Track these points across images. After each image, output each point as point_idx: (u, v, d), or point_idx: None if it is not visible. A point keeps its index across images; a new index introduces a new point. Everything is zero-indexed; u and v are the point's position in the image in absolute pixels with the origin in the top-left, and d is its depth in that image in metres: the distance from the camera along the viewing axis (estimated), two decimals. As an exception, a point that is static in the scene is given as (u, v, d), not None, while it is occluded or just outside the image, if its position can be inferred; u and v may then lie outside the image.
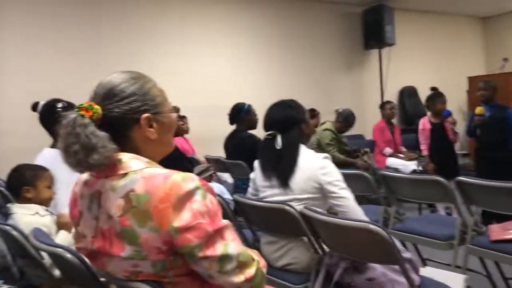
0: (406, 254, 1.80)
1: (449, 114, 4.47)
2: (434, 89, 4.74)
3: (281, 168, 2.00)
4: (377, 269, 1.77)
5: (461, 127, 7.37)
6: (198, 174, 2.88)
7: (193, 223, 1.05)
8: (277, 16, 6.21)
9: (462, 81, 6.94)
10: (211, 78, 5.69)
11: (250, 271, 1.12)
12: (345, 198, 1.95)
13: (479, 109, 4.22)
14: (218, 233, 1.09)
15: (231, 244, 1.10)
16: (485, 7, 7.57)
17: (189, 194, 1.07)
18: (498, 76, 5.98)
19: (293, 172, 1.97)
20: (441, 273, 2.35)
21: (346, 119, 4.96)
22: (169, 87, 1.36)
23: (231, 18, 5.94)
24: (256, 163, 2.20)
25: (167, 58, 5.41)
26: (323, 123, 5.19)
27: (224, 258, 1.08)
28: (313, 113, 5.58)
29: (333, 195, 1.95)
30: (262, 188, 2.10)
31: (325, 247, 1.95)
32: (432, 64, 7.71)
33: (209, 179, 3.03)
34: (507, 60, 6.45)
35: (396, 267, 1.70)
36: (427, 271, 2.21)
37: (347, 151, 5.06)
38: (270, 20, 6.15)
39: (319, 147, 4.89)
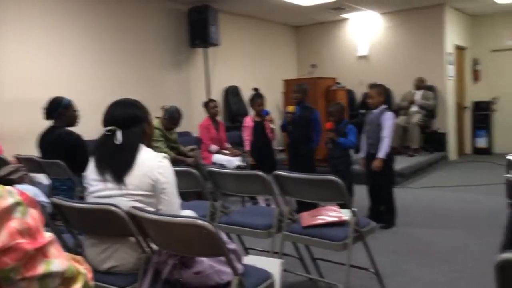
0: (231, 245, 1.92)
1: (267, 113, 4.88)
2: (255, 90, 5.14)
3: (118, 163, 1.95)
4: (205, 262, 1.84)
5: (278, 125, 8.13)
6: (6, 175, 2.57)
7: (11, 244, 0.93)
8: (104, 8, 5.86)
9: (278, 83, 7.63)
10: (23, 68, 5.08)
11: (76, 287, 1.06)
12: (171, 204, 1.98)
13: (290, 108, 4.73)
14: (40, 252, 0.99)
15: (54, 261, 1.01)
16: (297, 17, 8.47)
17: (7, 212, 0.95)
18: (307, 80, 6.74)
19: (130, 167, 1.94)
20: (261, 259, 2.56)
21: (171, 116, 4.99)
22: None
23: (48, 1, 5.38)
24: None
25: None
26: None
27: (46, 277, 0.99)
28: None
29: (164, 197, 1.96)
30: (93, 182, 2.02)
31: (153, 245, 1.95)
32: (253, 66, 8.29)
33: (20, 180, 2.71)
34: (315, 66, 7.33)
35: (222, 258, 1.79)
36: (249, 259, 2.39)
37: (176, 148, 5.11)
38: (95, 11, 5.78)
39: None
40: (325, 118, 6.02)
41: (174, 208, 1.99)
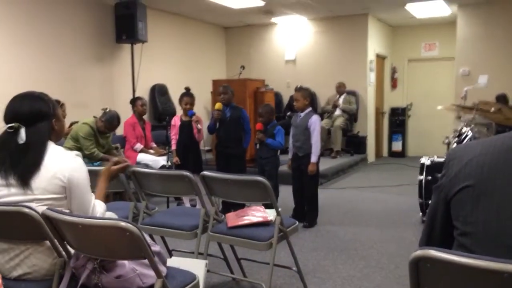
0: (155, 248, 1.87)
1: (193, 114, 4.79)
2: (186, 89, 5.04)
3: (23, 165, 1.78)
4: (126, 266, 1.78)
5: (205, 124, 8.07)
6: None
7: None
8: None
9: (207, 83, 7.59)
10: None
11: None
12: (84, 205, 1.87)
13: (218, 105, 4.72)
14: None
15: None
16: (227, 18, 8.48)
17: None
18: (237, 81, 6.78)
19: (37, 169, 1.78)
20: (186, 261, 2.53)
21: (109, 121, 4.70)
22: None
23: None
24: None
25: None
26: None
27: None
28: (58, 104, 5.18)
29: (76, 198, 1.84)
30: None
31: (70, 249, 1.85)
32: (182, 64, 8.17)
33: None
34: (243, 68, 7.39)
35: (145, 261, 1.74)
36: (173, 261, 2.36)
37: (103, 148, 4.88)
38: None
39: (75, 139, 4.64)
40: (254, 119, 6.10)
41: (87, 210, 1.88)
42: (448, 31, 8.48)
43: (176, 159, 4.85)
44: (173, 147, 4.91)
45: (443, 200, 1.19)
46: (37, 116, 1.85)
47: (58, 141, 1.98)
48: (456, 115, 4.97)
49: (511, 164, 1.07)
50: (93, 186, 1.97)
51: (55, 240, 1.81)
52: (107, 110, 4.75)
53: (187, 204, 4.85)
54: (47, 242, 1.82)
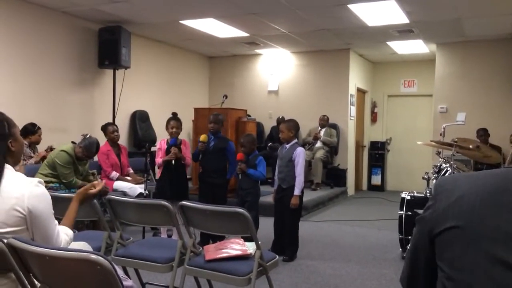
0: (127, 282, 1.77)
1: (174, 144, 4.63)
2: (174, 114, 4.94)
3: None
4: (95, 301, 1.66)
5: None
6: None
7: None
8: (3, 17, 5.37)
9: (189, 110, 7.54)
10: None
11: None
12: (48, 238, 1.74)
13: (203, 137, 4.63)
14: None
15: None
16: (211, 48, 8.53)
17: None
18: (219, 110, 6.74)
19: None
20: (160, 296, 2.40)
21: (87, 148, 4.53)
22: None
23: None
24: None
25: None
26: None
27: None
28: (34, 128, 5.05)
29: (38, 230, 1.72)
30: None
31: (37, 283, 1.72)
32: (165, 92, 8.13)
33: None
34: (226, 97, 7.40)
35: (116, 297, 1.63)
36: (147, 296, 2.23)
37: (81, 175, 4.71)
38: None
39: (52, 167, 4.44)
40: (236, 149, 6.04)
41: (51, 239, 1.75)
42: (427, 69, 8.70)
43: (175, 150, 4.58)
44: (158, 174, 4.76)
45: (428, 233, 1.13)
46: None
47: (17, 164, 1.85)
48: (436, 151, 5.01)
49: (499, 209, 1.03)
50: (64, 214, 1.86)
51: (20, 272, 1.69)
52: (87, 136, 4.60)
53: (164, 235, 4.70)
54: (12, 275, 1.70)
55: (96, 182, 2.18)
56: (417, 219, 1.18)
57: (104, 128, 5.46)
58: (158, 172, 4.77)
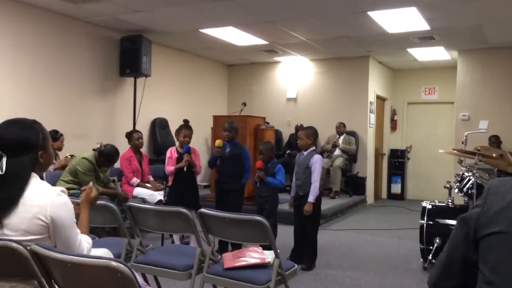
0: (147, 289, 1.77)
1: (188, 150, 4.62)
2: (185, 121, 4.97)
3: None
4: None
5: (204, 159, 8.01)
6: None
7: None
8: (29, 26, 5.51)
9: (208, 118, 7.59)
10: None
11: None
12: (69, 247, 1.74)
13: (218, 142, 4.66)
14: None
15: None
16: (230, 56, 8.58)
17: None
18: (238, 117, 6.76)
19: (13, 206, 1.63)
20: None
21: (109, 156, 4.57)
22: None
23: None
24: None
25: None
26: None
27: None
28: (56, 135, 5.14)
29: (60, 238, 1.72)
30: None
31: (58, 289, 1.74)
32: (184, 99, 8.20)
33: None
34: (245, 105, 7.41)
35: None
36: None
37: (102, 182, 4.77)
38: (19, 28, 5.42)
39: (73, 174, 4.51)
40: (254, 156, 6.05)
41: (73, 247, 1.77)
42: (448, 76, 8.57)
43: (188, 157, 4.61)
44: (170, 182, 4.77)
45: (472, 234, 1.08)
46: (23, 146, 1.71)
47: (42, 172, 1.88)
48: (458, 159, 4.92)
49: None
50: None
51: (43, 279, 1.71)
52: (102, 146, 4.59)
53: (177, 242, 4.70)
54: (34, 281, 1.72)
55: (87, 186, 2.16)
56: (460, 218, 1.13)
57: (129, 135, 5.52)
58: (169, 181, 4.78)
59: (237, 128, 4.78)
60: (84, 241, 1.87)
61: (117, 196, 4.76)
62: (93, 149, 4.66)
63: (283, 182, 4.53)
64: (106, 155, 4.57)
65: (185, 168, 4.56)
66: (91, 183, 2.27)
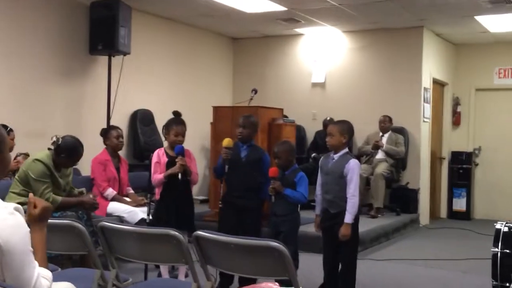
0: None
1: (181, 150, 4.59)
2: (176, 113, 4.94)
3: None
4: None
5: (201, 166, 8.00)
6: None
7: None
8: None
9: (207, 110, 7.54)
10: None
11: None
12: (20, 279, 1.74)
13: (226, 141, 4.60)
14: None
15: None
16: (236, 26, 8.60)
17: None
18: (246, 109, 6.68)
19: None
20: None
21: (71, 150, 4.52)
22: None
23: None
24: None
25: None
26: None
27: None
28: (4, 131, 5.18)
29: (9, 269, 1.71)
30: None
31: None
32: (175, 85, 8.25)
33: None
34: (256, 92, 7.33)
35: None
36: None
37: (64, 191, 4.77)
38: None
39: (24, 182, 4.46)
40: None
41: (28, 284, 1.75)
42: (531, 53, 8.51)
43: (183, 161, 4.63)
44: (157, 195, 4.79)
45: None
46: None
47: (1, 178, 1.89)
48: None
49: None
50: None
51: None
52: (59, 139, 4.50)
53: (165, 275, 4.72)
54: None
55: (32, 197, 2.09)
56: None
57: (106, 132, 5.56)
58: (156, 193, 4.77)
59: (256, 123, 4.76)
60: (42, 277, 1.86)
61: (82, 205, 4.69)
62: (48, 148, 4.63)
63: (306, 195, 4.53)
64: (66, 150, 4.49)
65: (179, 176, 4.55)
66: (31, 194, 2.19)
